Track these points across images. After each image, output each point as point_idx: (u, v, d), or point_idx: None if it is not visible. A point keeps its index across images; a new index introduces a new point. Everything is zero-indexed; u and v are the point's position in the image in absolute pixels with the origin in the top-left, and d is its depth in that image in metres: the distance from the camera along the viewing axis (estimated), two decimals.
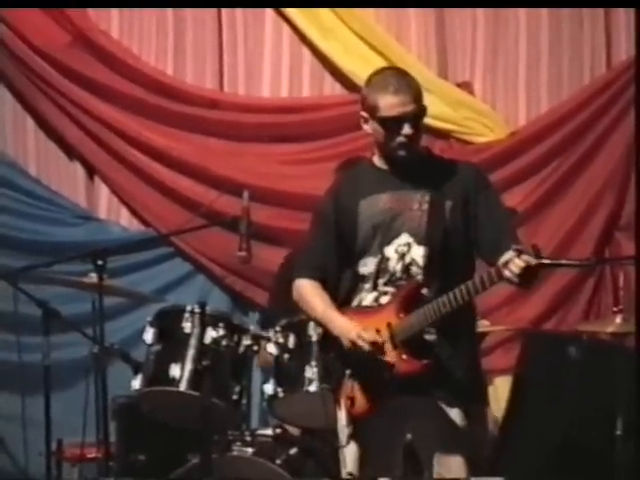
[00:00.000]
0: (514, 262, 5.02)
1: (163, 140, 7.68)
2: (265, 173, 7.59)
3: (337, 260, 5.50)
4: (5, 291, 6.64)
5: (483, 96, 7.79)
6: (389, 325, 5.30)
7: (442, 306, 5.25)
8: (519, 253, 5.03)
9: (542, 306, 7.26)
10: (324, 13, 7.79)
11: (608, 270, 7.22)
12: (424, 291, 5.37)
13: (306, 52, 7.76)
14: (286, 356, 6.44)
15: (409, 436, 5.50)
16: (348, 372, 5.40)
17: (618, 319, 6.67)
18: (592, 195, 7.60)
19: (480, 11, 7.92)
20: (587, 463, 6.74)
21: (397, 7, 7.91)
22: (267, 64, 7.85)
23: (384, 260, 5.39)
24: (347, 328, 5.36)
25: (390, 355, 5.37)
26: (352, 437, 5.44)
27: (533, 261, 5.05)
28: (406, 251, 5.39)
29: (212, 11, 7.96)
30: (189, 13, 7.83)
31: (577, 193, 7.64)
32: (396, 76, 5.49)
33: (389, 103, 5.33)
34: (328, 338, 5.56)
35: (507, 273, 5.02)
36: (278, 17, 7.78)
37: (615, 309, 6.79)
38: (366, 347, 5.35)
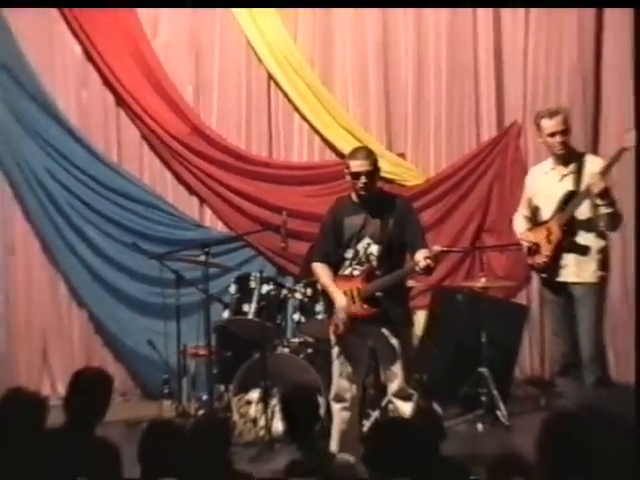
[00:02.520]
0: (421, 262, 5.16)
1: (240, 184, 7.55)
2: (295, 201, 7.49)
3: (334, 250, 5.49)
4: (155, 265, 6.73)
5: (411, 160, 7.54)
6: (358, 288, 5.38)
7: (386, 282, 5.36)
8: (425, 258, 5.14)
9: (443, 273, 7.24)
10: (327, 118, 7.48)
11: (477, 253, 7.15)
12: (377, 272, 5.41)
13: (317, 138, 7.56)
14: (306, 300, 6.42)
15: (370, 343, 5.56)
16: (335, 310, 5.45)
17: (483, 280, 6.68)
18: (469, 214, 7.54)
19: (410, 111, 7.51)
20: (464, 357, 6.75)
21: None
22: (296, 143, 7.60)
23: (356, 251, 5.44)
24: (339, 299, 5.40)
25: (357, 306, 5.37)
26: (337, 344, 5.52)
27: (435, 261, 5.16)
28: (367, 247, 5.42)
29: (265, 114, 7.55)
30: (254, 118, 7.54)
31: (461, 213, 7.54)
32: (360, 151, 5.53)
33: (353, 165, 5.37)
34: (326, 293, 5.64)
35: (417, 268, 5.19)
36: (301, 119, 7.51)
37: (481, 274, 6.78)
38: (345, 313, 5.39)
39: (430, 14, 7.41)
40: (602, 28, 7.36)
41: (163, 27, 7.39)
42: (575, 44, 7.37)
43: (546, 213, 5.79)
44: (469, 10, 7.37)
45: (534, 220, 5.89)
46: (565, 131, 5.72)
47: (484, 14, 7.41)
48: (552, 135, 5.72)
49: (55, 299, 7.34)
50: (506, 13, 7.42)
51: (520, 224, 5.99)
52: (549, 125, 5.73)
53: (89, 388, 4.13)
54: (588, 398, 5.59)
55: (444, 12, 7.38)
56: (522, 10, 7.37)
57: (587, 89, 7.36)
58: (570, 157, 5.76)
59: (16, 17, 7.14)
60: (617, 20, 7.27)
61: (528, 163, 7.34)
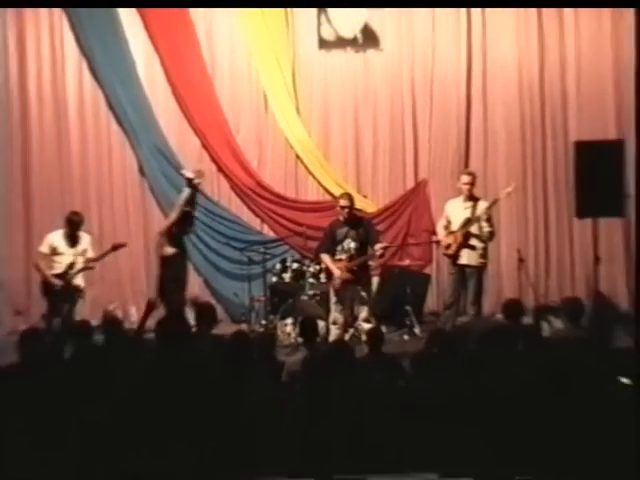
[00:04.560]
0: (379, 252, 5.63)
1: (282, 211, 7.50)
2: (310, 221, 7.18)
3: (331, 247, 5.82)
4: (237, 253, 6.88)
5: (370, 198, 7.34)
6: (345, 265, 5.80)
7: (359, 261, 5.67)
8: (380, 248, 5.56)
9: (387, 258, 6.93)
10: (326, 177, 7.28)
11: (407, 248, 7.22)
12: (354, 256, 5.73)
13: (321, 189, 7.32)
14: (316, 272, 6.50)
15: (350, 294, 5.91)
16: (333, 277, 5.90)
17: (407, 261, 7.00)
18: (400, 226, 7.42)
19: (369, 171, 7.25)
20: (398, 301, 6.66)
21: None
22: (310, 191, 7.44)
23: (342, 246, 5.89)
24: (336, 271, 5.65)
25: (345, 274, 5.69)
26: (334, 295, 5.96)
27: (384, 251, 5.51)
28: (349, 244, 5.89)
29: (293, 176, 7.34)
30: (288, 178, 7.31)
31: (395, 227, 7.38)
32: (345, 195, 5.98)
33: (341, 202, 5.84)
34: (328, 270, 5.98)
35: (377, 253, 5.69)
36: (312, 179, 7.38)
37: (406, 258, 6.93)
38: (339, 278, 5.62)
39: (367, 108, 7.28)
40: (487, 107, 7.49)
41: (242, 127, 7.50)
42: (455, 125, 7.34)
43: (455, 226, 6.11)
44: (400, 102, 7.29)
45: (448, 228, 6.16)
46: (471, 183, 6.17)
47: (405, 102, 7.30)
48: (465, 184, 6.15)
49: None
50: (407, 107, 7.27)
51: (440, 230, 6.25)
52: (464, 179, 6.19)
53: (204, 308, 4.76)
54: (465, 323, 5.85)
55: (385, 116, 7.40)
56: (428, 101, 7.27)
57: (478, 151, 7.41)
58: (471, 199, 6.18)
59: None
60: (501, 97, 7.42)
61: (430, 203, 7.38)
